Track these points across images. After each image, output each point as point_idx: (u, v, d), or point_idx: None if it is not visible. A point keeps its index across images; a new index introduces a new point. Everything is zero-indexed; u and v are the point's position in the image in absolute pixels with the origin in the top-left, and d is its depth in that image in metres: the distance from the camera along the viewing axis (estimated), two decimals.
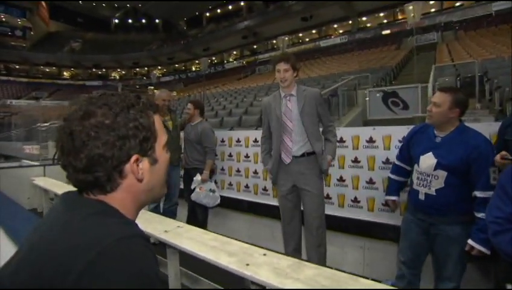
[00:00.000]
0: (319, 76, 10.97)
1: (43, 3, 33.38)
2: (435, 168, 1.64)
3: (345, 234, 2.49)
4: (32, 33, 32.95)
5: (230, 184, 3.34)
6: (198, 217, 3.12)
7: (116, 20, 38.46)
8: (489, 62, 6.77)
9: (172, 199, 3.09)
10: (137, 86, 31.68)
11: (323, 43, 24.11)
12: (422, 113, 4.91)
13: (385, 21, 22.80)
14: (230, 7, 31.17)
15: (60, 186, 3.69)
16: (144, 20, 37.65)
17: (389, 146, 2.30)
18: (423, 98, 4.91)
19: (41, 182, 4.10)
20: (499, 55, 7.92)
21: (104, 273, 0.44)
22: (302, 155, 2.16)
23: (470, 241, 1.55)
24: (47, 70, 35.37)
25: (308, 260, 2.14)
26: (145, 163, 0.56)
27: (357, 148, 2.45)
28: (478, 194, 1.56)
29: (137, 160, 0.54)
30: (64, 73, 36.51)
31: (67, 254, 0.45)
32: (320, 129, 2.25)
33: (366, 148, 2.42)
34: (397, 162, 1.96)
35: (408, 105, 5.00)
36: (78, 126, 0.51)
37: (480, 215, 1.52)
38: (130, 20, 38.25)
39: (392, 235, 2.22)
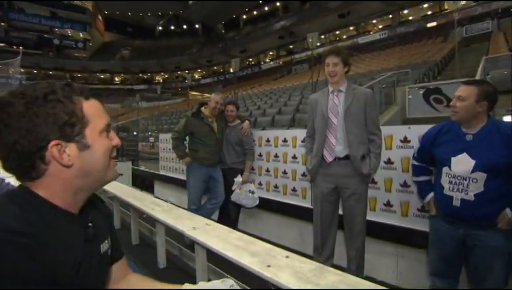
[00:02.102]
0: (355, 74, 10.52)
1: (100, 16, 37.00)
2: (473, 170, 1.48)
3: (376, 239, 2.36)
4: (91, 44, 36.74)
5: (259, 184, 3.37)
6: (230, 215, 3.19)
7: (160, 28, 41.11)
8: None
9: (218, 198, 3.11)
10: (180, 89, 33.36)
11: (361, 40, 23.05)
12: None
13: (429, 12, 21.06)
14: (266, 8, 31.34)
15: None
16: (184, 26, 39.69)
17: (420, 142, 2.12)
18: None
19: None
20: None
21: None
22: (346, 157, 2.04)
23: None
24: (102, 76, 39.06)
25: (349, 269, 2.11)
26: (72, 149, 0.57)
27: (390, 149, 2.31)
28: None
29: (57, 145, 0.55)
30: (116, 78, 39.95)
31: None
32: None
33: (400, 149, 2.27)
34: (417, 163, 1.81)
35: None
36: None
37: None
38: (172, 27, 40.62)
39: (426, 243, 2.05)
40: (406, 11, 22.03)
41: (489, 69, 5.15)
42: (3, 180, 1.44)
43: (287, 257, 1.54)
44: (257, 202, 3.12)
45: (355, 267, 2.11)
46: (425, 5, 21.10)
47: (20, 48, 26.92)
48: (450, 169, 1.57)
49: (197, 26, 38.62)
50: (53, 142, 0.55)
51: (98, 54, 37.76)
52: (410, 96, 4.80)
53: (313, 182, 2.25)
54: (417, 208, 2.19)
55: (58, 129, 0.55)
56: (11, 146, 0.53)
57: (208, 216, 2.76)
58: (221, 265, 2.22)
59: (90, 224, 0.64)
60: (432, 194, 1.73)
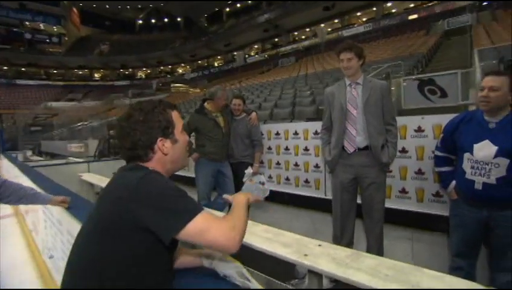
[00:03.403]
0: None
1: (75, 9, 35.19)
2: (495, 156, 1.56)
3: (392, 225, 2.45)
4: (66, 39, 34.96)
5: (270, 177, 3.39)
6: None
7: (140, 21, 39.72)
8: None
9: (228, 193, 3.10)
10: (161, 84, 32.62)
11: (346, 33, 23.35)
12: (463, 100, 4.64)
13: (412, 5, 21.65)
14: (249, 1, 31.00)
15: (104, 181, 3.93)
16: (166, 19, 38.56)
17: (439, 135, 2.22)
18: (463, 84, 4.63)
19: (88, 177, 4.40)
20: None
21: (144, 189, 0.77)
22: (366, 148, 2.09)
23: None
24: (80, 73, 37.43)
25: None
26: (168, 143, 0.91)
27: (405, 138, 2.39)
28: None
29: (161, 140, 0.89)
30: (95, 75, 38.41)
31: (123, 185, 0.80)
32: None
33: (414, 138, 2.36)
34: (441, 154, 1.89)
35: (446, 93, 4.74)
36: (124, 123, 0.89)
37: None
38: (153, 20, 39.36)
39: (442, 227, 2.16)
40: (389, 4, 22.45)
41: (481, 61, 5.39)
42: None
43: (320, 245, 1.57)
44: (268, 193, 3.11)
45: (376, 253, 2.18)
46: None
47: None
48: (472, 155, 1.64)
49: (178, 19, 37.65)
50: (159, 139, 0.90)
51: (75, 49, 36.04)
52: (405, 85, 4.93)
53: (332, 172, 2.29)
54: (432, 193, 2.28)
55: (161, 130, 0.90)
56: (136, 142, 0.88)
57: (220, 211, 2.75)
58: (248, 258, 2.22)
59: None
60: (454, 183, 1.82)
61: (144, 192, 0.76)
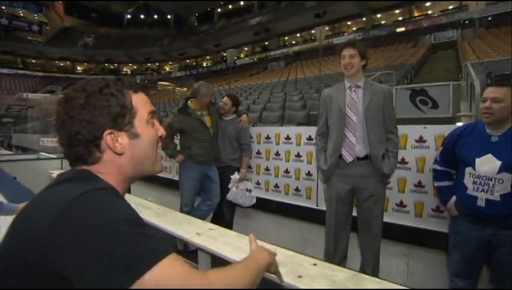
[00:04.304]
0: (335, 73, 10.69)
1: None
2: (499, 171, 1.48)
3: (388, 240, 2.30)
4: (48, 28, 33.50)
5: (258, 183, 3.18)
6: (225, 216, 2.98)
7: (129, 16, 38.81)
8: None
9: (213, 199, 2.89)
10: (146, 81, 31.92)
11: (336, 40, 23.68)
12: (453, 113, 4.65)
13: (400, 18, 22.32)
14: (242, 3, 30.97)
15: None
16: (155, 16, 37.86)
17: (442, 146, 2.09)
18: (454, 96, 4.64)
19: None
20: None
21: (73, 217, 0.49)
22: (365, 157, 1.92)
23: None
24: (61, 64, 36.00)
25: (364, 272, 1.99)
26: (123, 138, 0.62)
27: (405, 148, 2.25)
28: None
29: (111, 134, 0.60)
30: (78, 67, 37.08)
31: (41, 211, 0.52)
32: None
33: (415, 149, 2.22)
34: (440, 167, 1.78)
35: (438, 104, 4.74)
36: (60, 109, 0.61)
37: None
38: (142, 16, 38.55)
39: (441, 244, 2.02)
40: (378, 15, 23.05)
41: (465, 75, 5.48)
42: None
43: (315, 264, 1.41)
44: (254, 201, 2.96)
45: (371, 271, 2.02)
46: (397, 11, 22.29)
47: None
48: (475, 169, 1.56)
49: (168, 17, 37.05)
50: (107, 131, 0.60)
51: (57, 40, 34.71)
52: (396, 97, 4.88)
53: (327, 182, 2.11)
54: (432, 208, 2.15)
55: (111, 120, 0.60)
56: (73, 135, 0.59)
57: (203, 219, 2.54)
58: None
59: None
60: (454, 198, 1.71)
61: (73, 224, 0.48)
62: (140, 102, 0.65)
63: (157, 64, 37.52)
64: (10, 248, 0.53)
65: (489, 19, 16.23)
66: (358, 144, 1.92)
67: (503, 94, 1.51)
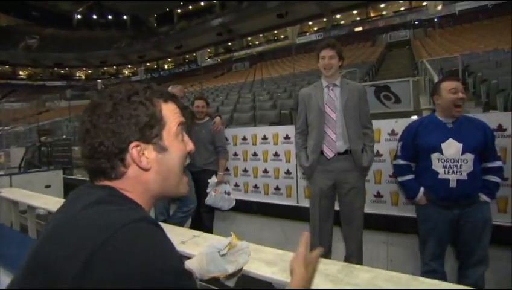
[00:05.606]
0: (301, 72, 10.96)
1: None
2: (463, 152, 1.65)
3: (368, 230, 2.38)
4: None
5: (236, 185, 3.12)
6: (204, 222, 2.87)
7: (79, 16, 36.03)
8: (467, 57, 7.14)
9: (189, 205, 2.76)
10: (103, 86, 30.00)
11: (298, 40, 24.35)
12: (415, 107, 5.00)
13: (358, 18, 23.56)
14: (202, 3, 30.45)
15: (30, 196, 3.23)
16: (110, 17, 35.67)
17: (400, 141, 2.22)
18: (414, 91, 5.00)
19: (9, 193, 3.59)
20: (472, 51, 8.41)
21: (112, 259, 0.42)
22: (346, 152, 1.99)
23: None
24: None
25: (351, 262, 2.03)
26: (150, 151, 0.56)
27: (379, 142, 2.34)
28: (490, 165, 1.70)
29: (137, 146, 0.54)
30: (20, 72, 33.58)
31: (74, 243, 0.45)
32: None
33: (388, 141, 2.32)
34: (403, 162, 1.88)
35: (400, 99, 5.07)
36: (85, 116, 0.55)
37: (498, 180, 1.69)
38: (94, 16, 36.05)
39: (415, 228, 2.14)
40: (338, 16, 24.15)
41: (421, 71, 5.95)
42: None
43: None
44: (234, 203, 2.90)
45: (356, 261, 2.08)
46: (355, 11, 23.56)
47: None
48: (442, 154, 1.69)
49: (125, 17, 35.17)
50: (133, 144, 0.54)
51: None
52: None
53: (309, 179, 2.13)
54: (406, 197, 2.27)
55: (138, 131, 0.55)
56: (96, 147, 0.54)
57: (181, 226, 2.43)
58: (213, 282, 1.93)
59: None
60: (422, 189, 1.81)
61: (113, 268, 0.41)
62: (170, 112, 0.59)
63: (114, 68, 35.43)
64: (28, 284, 0.45)
65: (435, 20, 17.85)
66: (339, 140, 1.99)
67: (461, 86, 1.72)
